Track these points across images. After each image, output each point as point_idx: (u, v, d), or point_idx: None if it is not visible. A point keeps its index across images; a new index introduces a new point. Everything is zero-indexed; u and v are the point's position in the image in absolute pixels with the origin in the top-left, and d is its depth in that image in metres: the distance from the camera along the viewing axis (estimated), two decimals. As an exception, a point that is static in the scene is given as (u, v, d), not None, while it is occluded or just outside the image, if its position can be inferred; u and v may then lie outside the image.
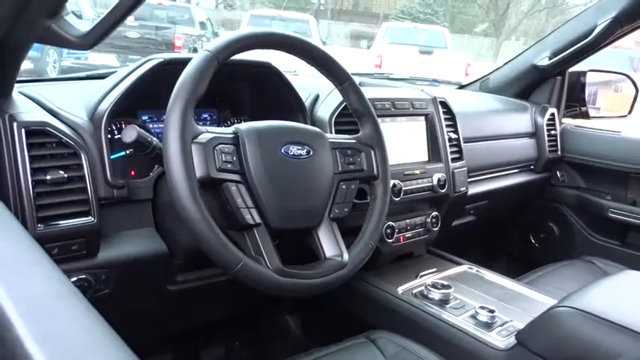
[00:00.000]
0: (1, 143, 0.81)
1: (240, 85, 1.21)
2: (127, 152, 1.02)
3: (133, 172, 1.02)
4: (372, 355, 1.02)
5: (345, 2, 27.93)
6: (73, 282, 0.88)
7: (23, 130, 0.81)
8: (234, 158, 0.82)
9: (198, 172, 0.77)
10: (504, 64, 2.04)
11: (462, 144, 1.48)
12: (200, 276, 1.08)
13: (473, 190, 1.55)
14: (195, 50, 9.30)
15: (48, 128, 0.84)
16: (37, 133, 0.83)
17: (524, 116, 1.89)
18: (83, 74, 1.20)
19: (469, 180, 1.51)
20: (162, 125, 1.08)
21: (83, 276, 0.88)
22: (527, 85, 1.97)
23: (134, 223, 0.96)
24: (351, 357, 1.02)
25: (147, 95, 0.99)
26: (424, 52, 9.73)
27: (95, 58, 8.19)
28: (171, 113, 0.77)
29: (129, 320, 0.98)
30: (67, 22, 0.79)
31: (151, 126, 1.09)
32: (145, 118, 1.09)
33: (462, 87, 2.12)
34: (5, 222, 0.58)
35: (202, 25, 10.97)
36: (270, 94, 1.18)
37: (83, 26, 0.80)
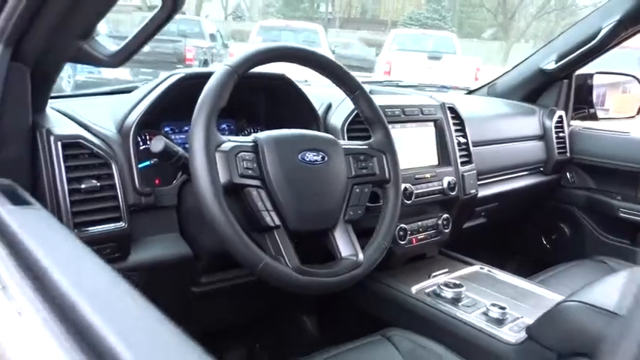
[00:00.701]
0: (38, 155, 0.88)
1: (256, 96, 1.26)
2: (152, 162, 1.08)
3: (157, 181, 1.08)
4: (388, 352, 1.06)
5: (353, 10, 28.05)
6: None
7: (59, 143, 0.88)
8: (255, 165, 0.88)
9: (222, 178, 0.83)
10: (512, 69, 2.08)
11: (471, 148, 1.52)
12: (222, 278, 1.13)
13: (483, 192, 1.59)
14: (205, 62, 9.42)
15: (81, 140, 0.90)
16: (71, 145, 0.89)
17: (533, 119, 1.93)
18: (108, 89, 1.26)
19: (479, 183, 1.55)
20: (183, 136, 1.14)
21: None
22: (534, 89, 2.00)
23: (160, 229, 1.02)
24: (367, 354, 1.06)
25: (169, 108, 1.05)
26: (433, 57, 9.77)
27: (108, 72, 8.32)
28: (197, 124, 0.83)
29: None
30: (97, 42, 0.86)
31: (173, 137, 1.15)
32: (167, 129, 1.15)
33: (470, 92, 2.16)
34: (55, 226, 0.64)
35: (212, 37, 11.12)
36: (285, 104, 1.24)
37: (112, 46, 0.87)
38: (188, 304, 1.14)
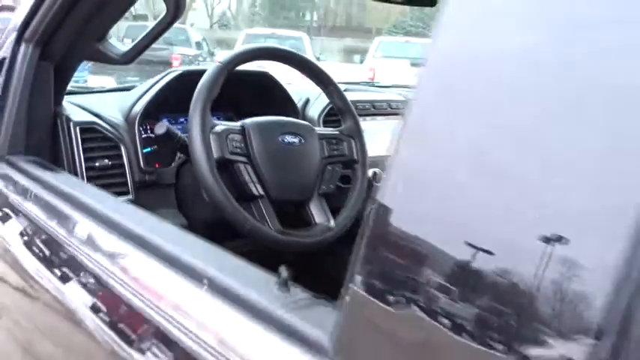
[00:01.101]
0: (59, 138, 1.05)
1: (242, 92, 1.44)
2: (152, 148, 1.24)
3: (157, 165, 1.25)
4: None
5: (338, 18, 28.38)
6: None
7: (78, 128, 1.05)
8: (242, 145, 1.05)
9: (216, 154, 1.00)
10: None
11: None
12: None
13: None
14: (192, 69, 9.57)
15: (95, 126, 1.08)
16: (87, 130, 1.06)
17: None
18: (111, 87, 1.44)
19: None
20: (179, 126, 1.32)
21: None
22: None
23: (160, 204, 1.19)
24: None
25: (166, 102, 1.23)
26: (416, 64, 10.00)
27: (94, 80, 8.45)
28: (195, 110, 1.00)
29: None
30: (110, 44, 1.03)
31: None
32: (165, 120, 1.31)
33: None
34: (85, 185, 0.82)
35: (198, 45, 11.28)
36: (268, 99, 1.41)
37: (122, 47, 1.04)
38: None
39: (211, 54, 11.65)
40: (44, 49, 0.99)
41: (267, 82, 1.38)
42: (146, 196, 1.16)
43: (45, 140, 1.05)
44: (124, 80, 8.79)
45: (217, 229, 1.04)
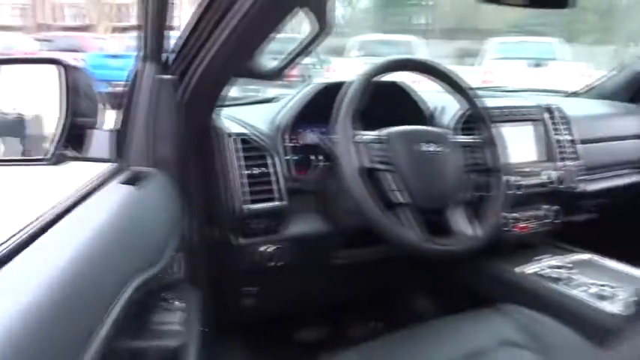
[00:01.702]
0: (212, 148, 1.13)
1: (375, 101, 1.47)
2: (298, 157, 1.29)
3: (302, 172, 1.29)
4: (503, 323, 1.16)
5: (450, 20, 27.69)
6: (262, 251, 1.17)
7: (232, 139, 1.13)
8: (387, 153, 1.08)
9: (360, 163, 1.04)
10: (613, 72, 2.12)
11: (577, 145, 1.61)
12: (357, 254, 1.33)
13: (591, 187, 1.66)
14: (309, 77, 9.85)
15: (247, 137, 1.15)
16: (240, 141, 1.15)
17: (638, 119, 1.95)
18: (256, 99, 1.52)
19: (587, 178, 1.63)
20: (321, 135, 1.36)
21: (272, 247, 1.17)
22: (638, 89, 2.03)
23: (305, 209, 1.25)
24: (482, 324, 1.16)
25: (308, 112, 1.28)
26: (534, 64, 9.50)
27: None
28: (342, 121, 1.05)
29: (295, 290, 1.26)
30: (260, 61, 1.09)
31: None
32: (309, 130, 1.36)
33: (571, 95, 2.21)
34: None
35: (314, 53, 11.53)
36: (397, 108, 1.42)
37: (270, 62, 1.10)
38: (325, 275, 1.36)
39: (322, 61, 11.84)
40: (167, 64, 1.00)
41: (396, 91, 1.40)
42: (295, 202, 1.21)
43: (173, 154, 1.02)
44: (247, 89, 9.28)
45: (361, 235, 1.07)
